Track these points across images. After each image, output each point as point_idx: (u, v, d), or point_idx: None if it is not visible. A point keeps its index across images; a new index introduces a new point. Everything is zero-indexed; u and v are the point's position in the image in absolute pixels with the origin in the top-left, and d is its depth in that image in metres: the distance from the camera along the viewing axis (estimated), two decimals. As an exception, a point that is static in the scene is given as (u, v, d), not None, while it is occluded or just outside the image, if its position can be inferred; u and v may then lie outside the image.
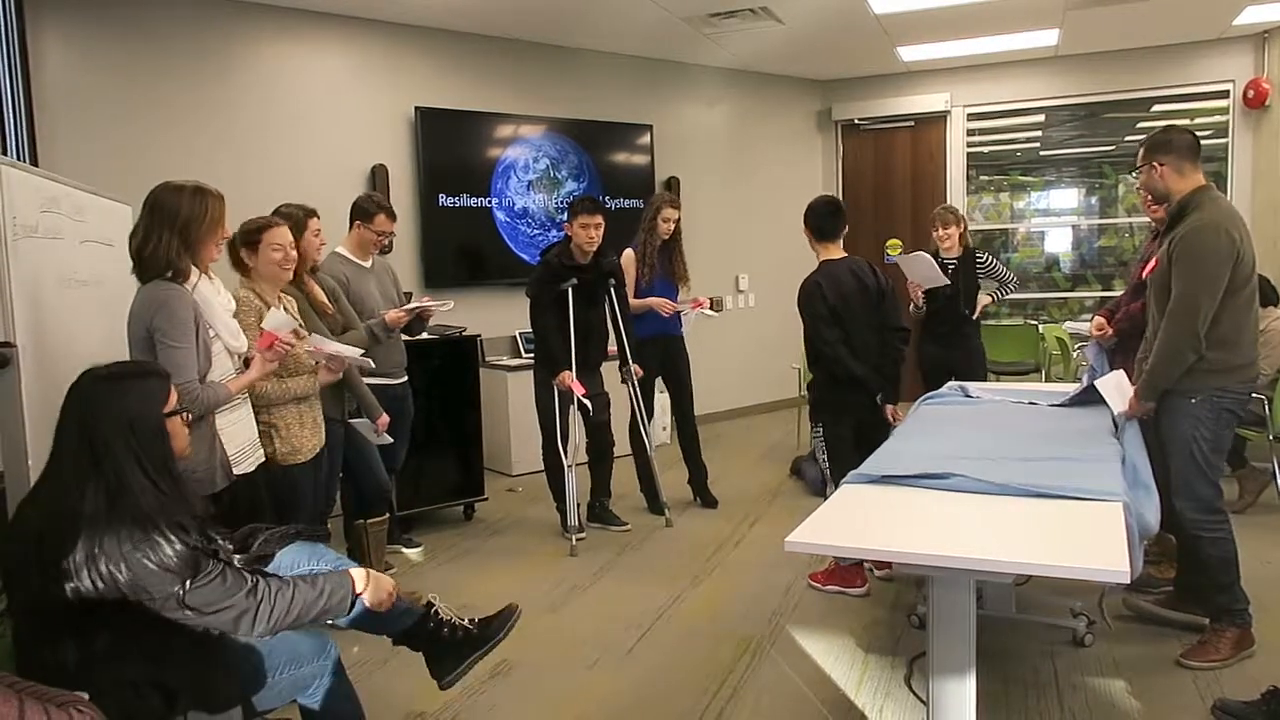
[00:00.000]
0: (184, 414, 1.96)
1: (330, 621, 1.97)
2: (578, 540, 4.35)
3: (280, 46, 5.28)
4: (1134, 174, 3.08)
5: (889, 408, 3.65)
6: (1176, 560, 3.29)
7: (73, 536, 1.63)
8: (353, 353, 3.04)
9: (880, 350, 3.68)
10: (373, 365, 3.33)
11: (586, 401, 4.32)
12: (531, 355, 5.89)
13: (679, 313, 4.79)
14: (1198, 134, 2.99)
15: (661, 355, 4.81)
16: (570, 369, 4.29)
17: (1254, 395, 4.13)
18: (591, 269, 4.38)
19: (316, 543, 2.29)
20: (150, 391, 1.84)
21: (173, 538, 1.69)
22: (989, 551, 1.95)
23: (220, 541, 1.91)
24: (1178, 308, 2.78)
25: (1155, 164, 2.91)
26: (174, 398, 1.90)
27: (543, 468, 4.60)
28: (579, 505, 4.49)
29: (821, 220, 3.72)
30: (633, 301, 4.67)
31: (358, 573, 1.95)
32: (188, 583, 1.68)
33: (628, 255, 4.73)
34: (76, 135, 4.55)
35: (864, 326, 3.64)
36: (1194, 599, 3.09)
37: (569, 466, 4.41)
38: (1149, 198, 3.53)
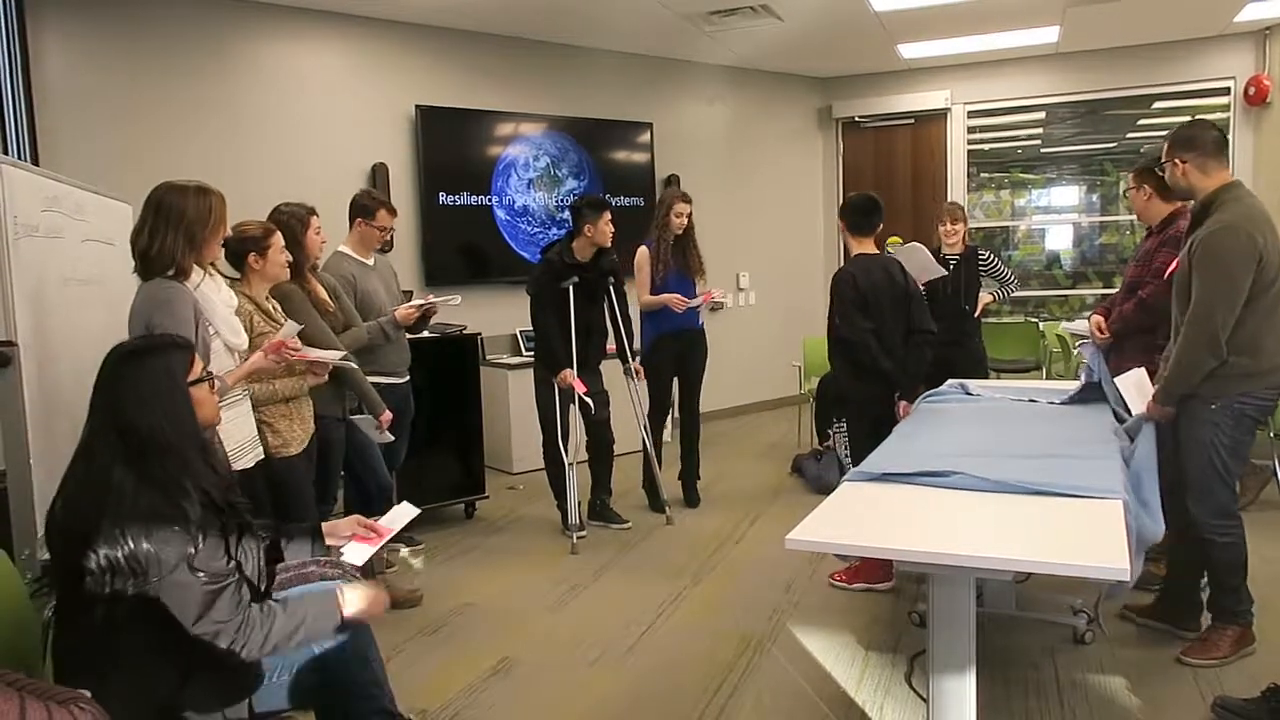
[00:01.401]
0: (211, 381, 1.97)
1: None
2: (578, 538, 4.35)
3: (281, 45, 5.28)
4: (1158, 169, 3.02)
5: (903, 404, 3.66)
6: (1168, 564, 3.26)
7: (100, 508, 1.66)
8: (334, 356, 3.05)
9: (906, 350, 3.70)
10: (356, 365, 3.34)
11: (588, 399, 4.33)
12: (532, 353, 5.90)
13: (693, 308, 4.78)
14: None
15: (679, 350, 4.81)
16: (571, 367, 4.29)
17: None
18: (592, 267, 4.38)
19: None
20: (171, 362, 1.86)
21: (196, 503, 1.71)
22: (989, 549, 1.95)
23: (248, 518, 1.90)
24: (1197, 314, 2.71)
25: (1177, 160, 2.82)
26: (198, 366, 1.91)
27: (543, 466, 4.61)
28: (580, 503, 4.50)
29: (857, 216, 3.77)
30: (647, 299, 4.67)
31: (349, 592, 1.92)
32: (201, 539, 1.69)
33: (642, 253, 4.73)
34: (77, 134, 4.55)
35: (891, 323, 3.67)
36: (1182, 604, 3.09)
37: (569, 464, 4.41)
38: (1139, 202, 3.50)
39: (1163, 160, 2.92)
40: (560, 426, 4.43)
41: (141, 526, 1.65)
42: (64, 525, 1.72)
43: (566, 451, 4.43)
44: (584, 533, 4.45)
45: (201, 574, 1.69)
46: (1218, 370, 2.73)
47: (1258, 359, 2.74)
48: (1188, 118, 6.95)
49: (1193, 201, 2.91)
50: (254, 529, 1.91)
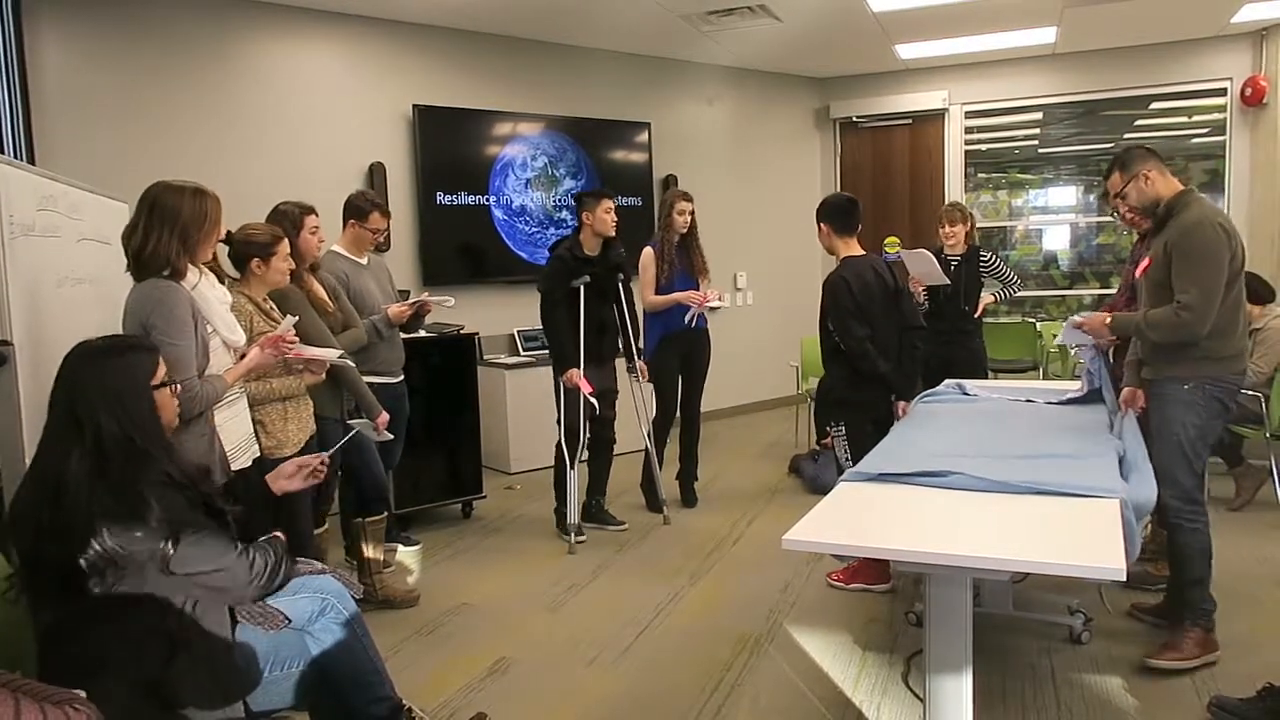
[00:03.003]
0: (173, 386, 1.98)
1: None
2: (576, 539, 4.35)
3: (278, 44, 5.27)
4: (1119, 197, 3.06)
5: (901, 404, 3.64)
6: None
7: (58, 503, 1.67)
8: (331, 354, 3.05)
9: (899, 349, 3.67)
10: (352, 364, 3.33)
11: (594, 400, 4.31)
12: (530, 353, 5.90)
13: (696, 308, 4.74)
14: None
15: (684, 350, 4.79)
16: (579, 366, 4.28)
17: (1248, 392, 4.14)
18: (601, 261, 4.37)
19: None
20: (135, 363, 1.87)
21: (153, 503, 1.71)
22: (986, 549, 1.95)
23: (217, 504, 1.92)
24: (1199, 301, 2.76)
25: (1144, 174, 2.95)
26: (162, 370, 1.93)
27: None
28: (579, 503, 4.49)
29: (841, 217, 3.69)
30: (653, 299, 4.66)
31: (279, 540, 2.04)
32: (169, 543, 1.70)
33: (647, 254, 4.71)
34: (73, 133, 4.54)
35: (885, 324, 3.62)
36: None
37: (572, 465, 4.38)
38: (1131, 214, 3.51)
39: (1122, 190, 3.01)
40: (576, 424, 4.38)
41: (104, 527, 1.66)
42: (27, 521, 1.72)
43: (576, 450, 4.39)
44: (582, 536, 4.44)
45: (177, 577, 1.71)
46: (1191, 353, 2.84)
47: (1227, 344, 2.86)
48: (1185, 118, 7.01)
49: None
50: (225, 514, 1.93)
